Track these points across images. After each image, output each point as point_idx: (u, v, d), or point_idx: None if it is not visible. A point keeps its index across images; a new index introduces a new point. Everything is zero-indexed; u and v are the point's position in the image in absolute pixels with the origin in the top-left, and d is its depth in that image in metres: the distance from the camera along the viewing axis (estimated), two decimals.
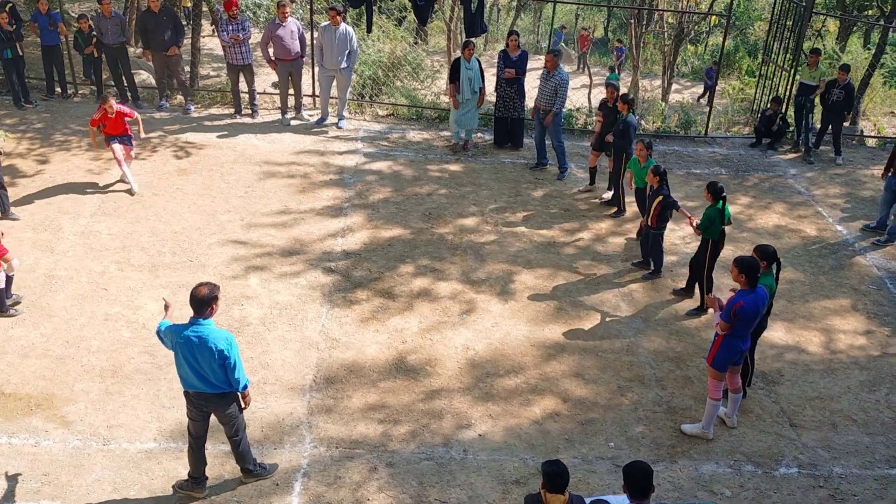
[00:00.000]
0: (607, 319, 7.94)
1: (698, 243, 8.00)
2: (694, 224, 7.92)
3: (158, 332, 5.39)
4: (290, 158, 11.03)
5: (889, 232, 9.58)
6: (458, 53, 11.44)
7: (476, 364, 7.20)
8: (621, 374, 7.18)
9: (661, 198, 8.13)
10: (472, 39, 11.89)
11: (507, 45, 11.36)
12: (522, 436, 6.40)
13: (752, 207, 10.49)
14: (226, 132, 11.78)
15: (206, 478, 5.63)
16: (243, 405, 5.52)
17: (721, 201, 7.57)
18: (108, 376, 6.71)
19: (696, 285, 8.10)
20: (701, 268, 7.90)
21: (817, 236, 9.79)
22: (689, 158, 12.04)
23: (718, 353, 6.15)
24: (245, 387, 5.36)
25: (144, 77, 14.09)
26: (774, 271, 6.56)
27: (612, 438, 6.43)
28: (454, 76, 11.16)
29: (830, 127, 12.10)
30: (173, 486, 5.65)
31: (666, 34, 17.92)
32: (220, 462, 5.92)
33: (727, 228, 7.92)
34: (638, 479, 4.27)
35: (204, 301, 5.13)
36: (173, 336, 5.20)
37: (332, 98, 12.16)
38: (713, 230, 7.67)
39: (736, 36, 23.57)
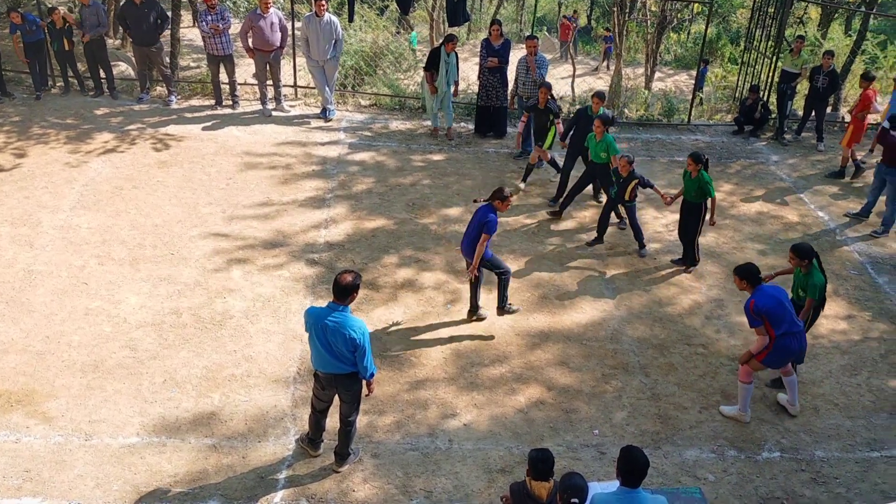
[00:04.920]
0: (591, 308, 7.95)
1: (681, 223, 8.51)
2: (668, 200, 8.69)
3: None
4: (272, 149, 10.95)
5: (884, 222, 9.58)
6: (440, 43, 11.41)
7: (461, 354, 7.20)
8: (605, 361, 7.19)
9: (635, 181, 8.53)
10: (455, 34, 11.84)
11: (490, 34, 11.32)
12: (507, 424, 6.41)
13: (735, 195, 10.53)
14: (206, 124, 11.68)
15: (323, 441, 5.96)
16: (367, 392, 5.69)
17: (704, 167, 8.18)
18: (90, 371, 6.65)
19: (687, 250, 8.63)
20: (693, 232, 8.43)
21: (799, 222, 9.84)
22: (673, 146, 12.06)
23: (768, 356, 6.22)
24: (372, 375, 5.54)
25: (123, 69, 13.94)
26: (817, 265, 6.64)
27: (597, 426, 6.45)
28: (431, 64, 11.14)
29: (814, 113, 12.15)
30: (296, 440, 6.05)
31: (649, 22, 17.92)
32: (203, 456, 5.89)
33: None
34: (639, 468, 4.20)
35: (346, 288, 5.31)
36: (311, 319, 5.41)
37: (307, 88, 12.08)
38: (703, 193, 8.19)
39: (718, 23, 23.59)
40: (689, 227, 8.45)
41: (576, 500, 3.98)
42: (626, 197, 8.66)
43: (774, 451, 6.28)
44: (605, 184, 9.15)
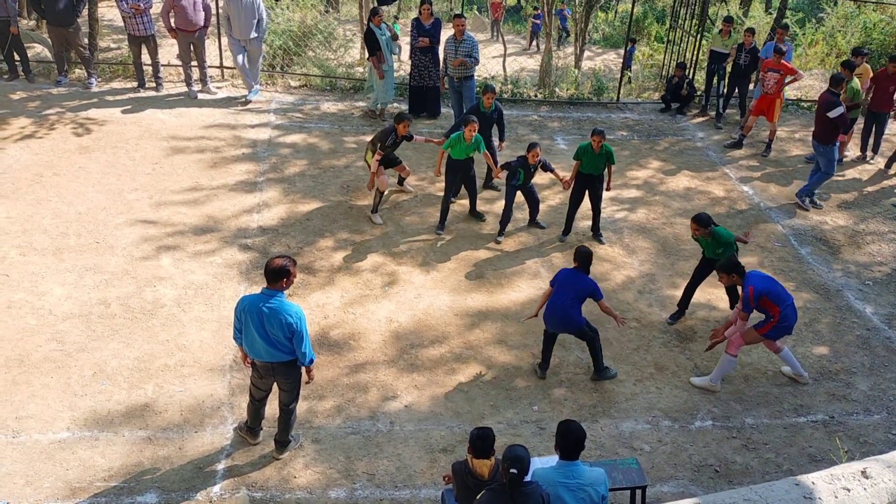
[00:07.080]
0: (528, 286, 8.03)
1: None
2: (567, 185, 8.76)
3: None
4: (199, 133, 10.66)
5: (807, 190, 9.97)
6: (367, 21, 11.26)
7: (400, 336, 7.19)
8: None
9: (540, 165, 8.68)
10: (381, 7, 11.67)
11: (420, 13, 11.23)
12: (448, 404, 6.44)
13: (663, 171, 10.75)
14: (129, 107, 11.28)
15: (262, 428, 5.88)
16: (307, 379, 5.59)
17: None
18: (15, 366, 6.39)
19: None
20: (574, 206, 8.82)
21: (725, 197, 10.12)
22: (603, 124, 12.22)
23: (773, 329, 6.43)
24: (311, 361, 5.44)
25: (39, 51, 13.32)
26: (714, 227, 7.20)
27: (536, 402, 6.54)
28: (374, 47, 10.94)
29: (737, 90, 12.46)
30: (234, 428, 5.96)
31: (577, 2, 18.06)
32: (138, 449, 5.75)
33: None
34: (575, 439, 4.31)
35: (276, 272, 5.21)
36: (245, 307, 5.27)
37: (234, 69, 11.77)
38: (585, 165, 8.52)
39: (644, 2, 23.98)
40: (599, 197, 8.76)
41: (514, 471, 4.03)
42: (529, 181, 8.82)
43: (707, 420, 6.49)
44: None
